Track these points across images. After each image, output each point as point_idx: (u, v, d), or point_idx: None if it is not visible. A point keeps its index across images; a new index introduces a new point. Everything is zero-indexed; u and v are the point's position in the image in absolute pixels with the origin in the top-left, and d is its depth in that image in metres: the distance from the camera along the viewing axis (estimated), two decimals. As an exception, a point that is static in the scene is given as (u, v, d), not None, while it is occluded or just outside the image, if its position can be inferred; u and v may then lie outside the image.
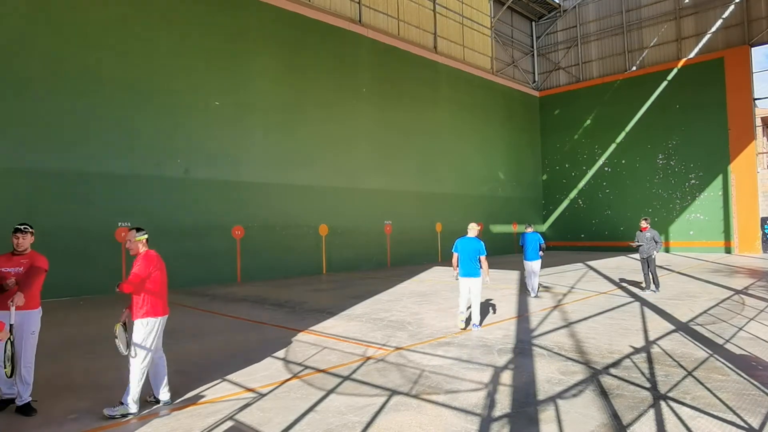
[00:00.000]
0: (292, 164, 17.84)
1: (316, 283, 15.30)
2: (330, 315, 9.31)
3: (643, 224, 11.59)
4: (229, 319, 9.18)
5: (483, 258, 7.69)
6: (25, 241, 4.80)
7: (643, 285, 11.55)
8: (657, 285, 11.34)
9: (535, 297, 10.94)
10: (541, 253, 11.23)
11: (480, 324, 7.92)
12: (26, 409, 4.56)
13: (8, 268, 4.68)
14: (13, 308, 4.39)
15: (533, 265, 11.08)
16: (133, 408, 4.42)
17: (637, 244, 11.56)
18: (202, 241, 15.27)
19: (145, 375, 4.54)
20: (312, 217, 18.39)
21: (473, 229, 8.07)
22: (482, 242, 7.86)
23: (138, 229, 4.79)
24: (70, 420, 4.38)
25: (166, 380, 4.70)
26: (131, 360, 4.49)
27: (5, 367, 4.26)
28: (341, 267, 19.18)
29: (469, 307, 7.95)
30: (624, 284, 12.81)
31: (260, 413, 4.41)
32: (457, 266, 7.81)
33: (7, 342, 4.26)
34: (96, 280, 13.16)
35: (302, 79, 18.39)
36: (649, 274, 11.33)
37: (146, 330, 4.53)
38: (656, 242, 11.26)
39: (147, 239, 4.81)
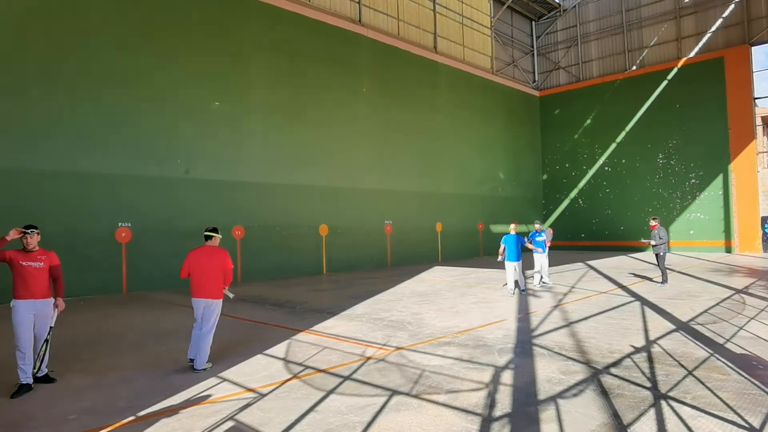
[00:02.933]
0: (292, 164, 17.84)
1: (316, 283, 15.30)
2: (330, 315, 9.31)
3: (652, 223, 12.50)
4: (229, 319, 9.17)
5: (526, 244, 11.69)
6: (34, 240, 5.49)
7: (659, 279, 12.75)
8: (663, 280, 12.19)
9: (539, 285, 12.67)
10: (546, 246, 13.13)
11: (525, 290, 11.50)
12: (46, 379, 5.43)
13: (29, 262, 5.40)
14: (56, 312, 5.55)
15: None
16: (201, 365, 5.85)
17: (649, 241, 12.62)
18: (202, 241, 15.22)
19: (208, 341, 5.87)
20: (312, 217, 18.39)
21: (514, 228, 11.54)
22: (521, 236, 11.38)
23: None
24: (70, 420, 4.38)
25: (198, 349, 5.80)
26: None
27: (35, 366, 5.30)
28: (341, 267, 19.18)
29: (516, 281, 11.56)
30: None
31: (261, 413, 4.41)
32: (502, 253, 11.42)
33: (44, 344, 5.39)
34: (96, 281, 13.17)
35: (302, 78, 18.38)
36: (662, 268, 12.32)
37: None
38: (660, 238, 12.09)
39: (206, 237, 6.25)
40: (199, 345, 5.79)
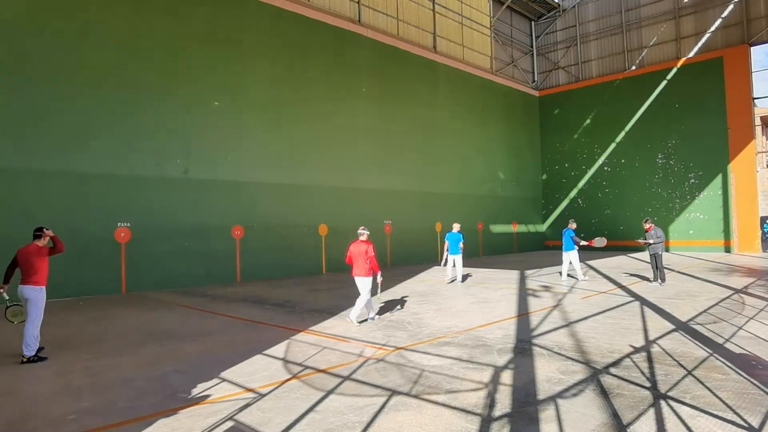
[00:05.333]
0: (292, 164, 17.84)
1: (316, 283, 15.29)
2: (330, 315, 9.31)
3: (646, 225, 12.79)
4: (229, 319, 9.18)
5: (462, 243, 13.69)
6: None
7: (651, 278, 13.03)
8: (659, 279, 12.44)
9: (583, 280, 13.53)
10: (580, 243, 13.79)
11: (463, 281, 13.70)
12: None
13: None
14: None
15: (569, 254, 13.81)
16: (355, 322, 8.25)
17: (647, 241, 12.89)
18: (202, 241, 15.26)
19: (359, 305, 8.24)
20: (312, 217, 18.38)
21: (456, 227, 13.87)
22: (461, 234, 13.80)
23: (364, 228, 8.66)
24: (70, 420, 4.38)
25: (368, 310, 8.58)
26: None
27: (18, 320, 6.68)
28: (341, 267, 19.16)
29: (454, 278, 14.19)
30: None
31: (260, 413, 4.41)
32: (447, 249, 13.73)
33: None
34: (96, 281, 13.17)
35: (302, 78, 18.38)
36: (655, 268, 12.53)
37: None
38: (658, 237, 12.46)
39: (360, 234, 8.49)
40: (361, 305, 8.22)
